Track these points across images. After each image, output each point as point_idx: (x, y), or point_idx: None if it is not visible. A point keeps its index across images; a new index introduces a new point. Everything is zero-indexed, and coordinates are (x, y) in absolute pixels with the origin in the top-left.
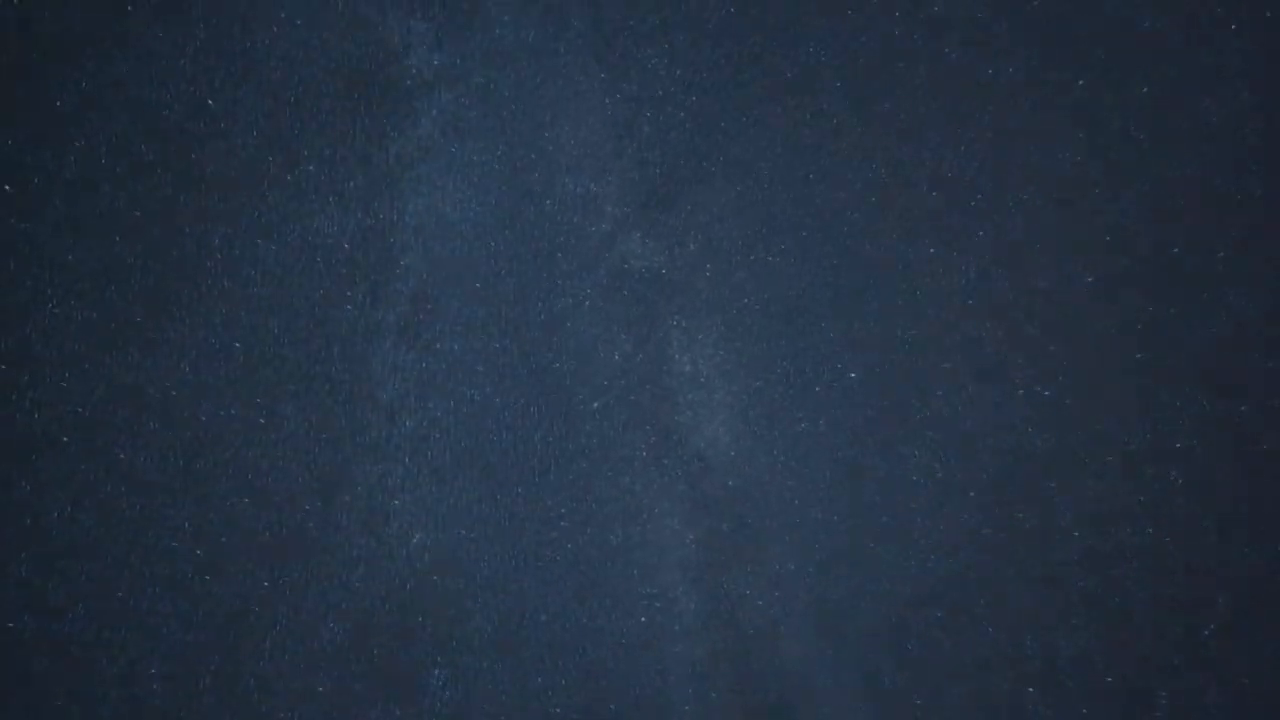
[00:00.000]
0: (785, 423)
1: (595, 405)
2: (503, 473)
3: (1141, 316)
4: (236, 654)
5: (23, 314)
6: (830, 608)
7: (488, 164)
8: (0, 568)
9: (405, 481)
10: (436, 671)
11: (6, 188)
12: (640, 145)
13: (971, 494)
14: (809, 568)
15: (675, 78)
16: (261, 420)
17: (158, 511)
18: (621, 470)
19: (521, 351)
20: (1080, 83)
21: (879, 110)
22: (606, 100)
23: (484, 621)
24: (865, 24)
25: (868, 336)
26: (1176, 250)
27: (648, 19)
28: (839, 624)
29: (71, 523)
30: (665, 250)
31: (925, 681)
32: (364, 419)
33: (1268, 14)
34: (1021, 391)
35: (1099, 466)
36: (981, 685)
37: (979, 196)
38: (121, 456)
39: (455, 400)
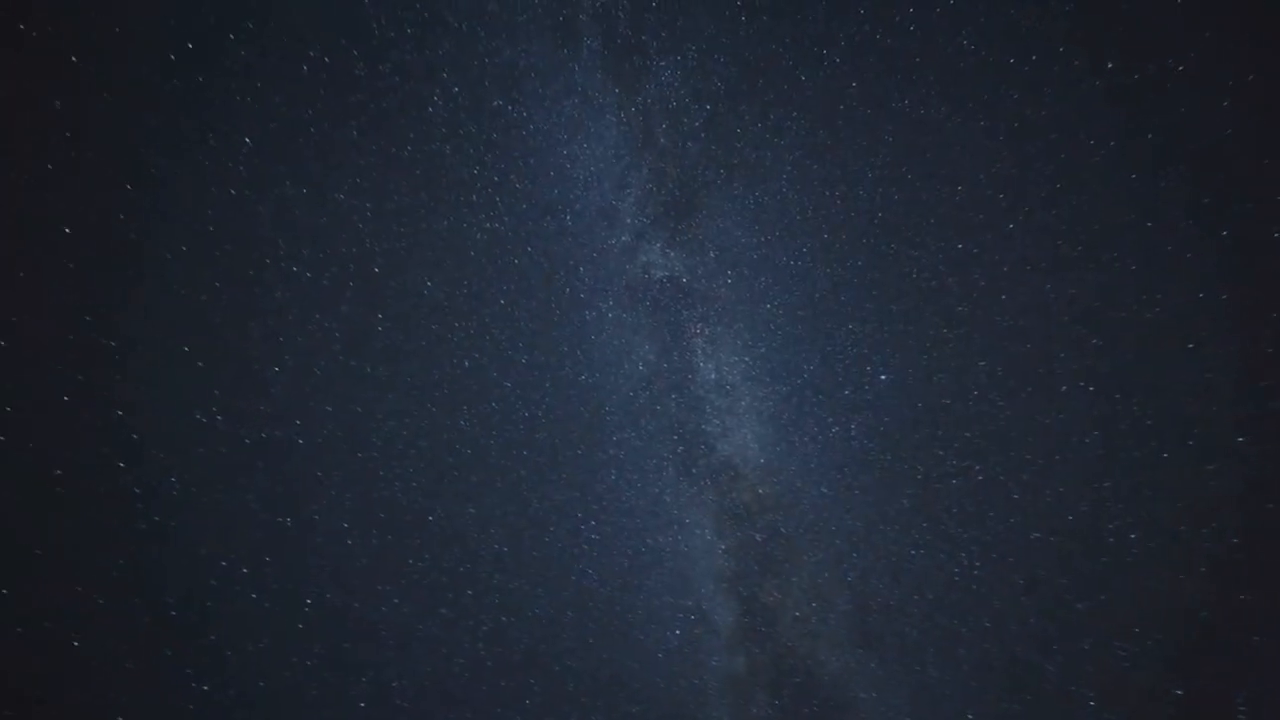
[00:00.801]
0: (815, 428)
1: (621, 416)
2: (531, 486)
3: (1188, 308)
4: None
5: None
6: (870, 617)
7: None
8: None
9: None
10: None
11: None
12: (657, 156)
13: (1015, 496)
14: (847, 576)
15: (688, 89)
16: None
17: None
18: (650, 480)
19: (546, 364)
20: (1110, 66)
21: (897, 108)
22: (622, 114)
23: (519, 634)
24: (878, 21)
25: (897, 337)
26: (1225, 234)
27: (659, 34)
28: (880, 633)
29: None
30: (686, 259)
31: (972, 690)
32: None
33: None
34: (1064, 388)
35: (1149, 465)
36: (1033, 693)
37: (1006, 190)
38: None
39: (482, 414)
